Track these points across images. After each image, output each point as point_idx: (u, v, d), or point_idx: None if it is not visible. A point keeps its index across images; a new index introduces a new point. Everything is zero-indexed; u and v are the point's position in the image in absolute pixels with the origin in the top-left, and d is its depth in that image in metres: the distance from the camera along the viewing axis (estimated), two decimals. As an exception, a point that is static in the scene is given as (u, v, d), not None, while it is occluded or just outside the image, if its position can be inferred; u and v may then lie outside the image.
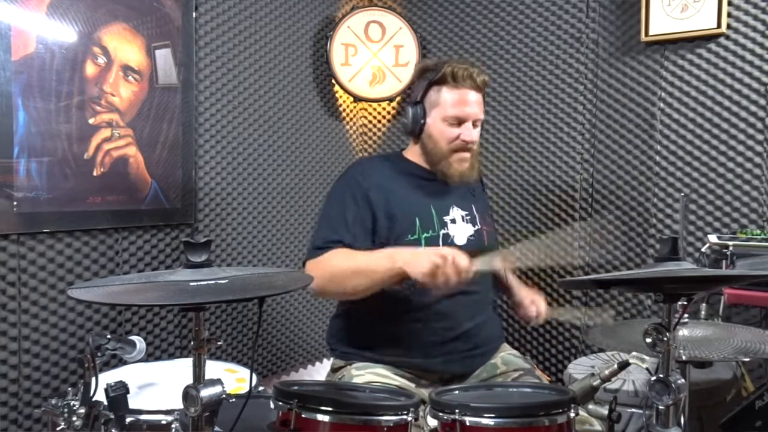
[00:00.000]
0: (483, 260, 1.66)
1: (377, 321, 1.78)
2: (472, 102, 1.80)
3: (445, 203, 1.84)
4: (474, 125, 1.82)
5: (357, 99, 3.02)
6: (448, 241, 1.80)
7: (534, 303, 1.92)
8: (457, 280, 1.55)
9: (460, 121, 1.79)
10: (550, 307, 1.96)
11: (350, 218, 1.75)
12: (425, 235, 1.77)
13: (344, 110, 3.06)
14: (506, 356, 1.87)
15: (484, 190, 2.12)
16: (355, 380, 1.71)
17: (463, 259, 1.55)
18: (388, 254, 1.65)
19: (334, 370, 1.88)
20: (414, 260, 1.58)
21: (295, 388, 1.34)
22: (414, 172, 1.87)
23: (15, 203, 1.86)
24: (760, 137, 2.34)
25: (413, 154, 1.90)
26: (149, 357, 2.17)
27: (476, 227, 1.87)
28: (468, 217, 1.87)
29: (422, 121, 1.82)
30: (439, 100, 1.80)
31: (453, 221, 1.83)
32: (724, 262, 2.05)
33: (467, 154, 1.83)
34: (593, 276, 2.39)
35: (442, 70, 1.78)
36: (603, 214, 2.64)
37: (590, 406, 1.73)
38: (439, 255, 1.55)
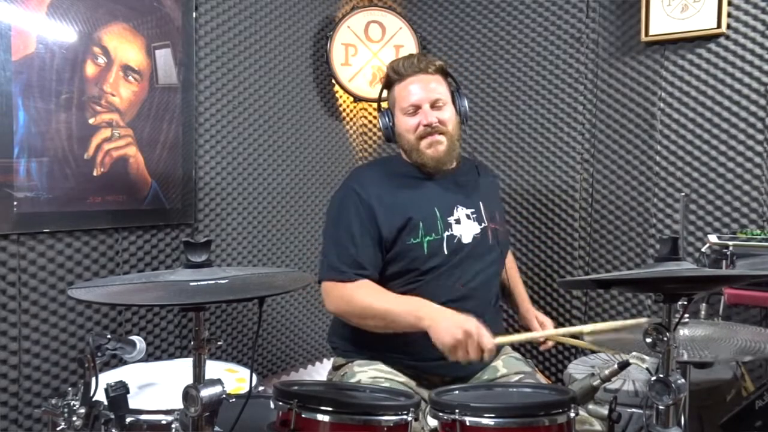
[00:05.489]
0: (508, 339, 1.68)
1: None
2: (421, 85, 1.82)
3: (449, 203, 1.84)
4: (435, 107, 1.81)
5: (357, 99, 3.02)
6: (453, 241, 1.79)
7: (541, 323, 1.99)
8: (477, 358, 1.56)
9: (416, 108, 1.81)
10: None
11: (358, 234, 1.76)
12: (428, 238, 1.77)
13: (344, 110, 3.06)
14: (507, 359, 1.87)
15: (497, 183, 2.13)
16: (358, 377, 1.71)
17: (487, 339, 1.55)
18: (416, 311, 1.65)
19: (335, 368, 1.88)
20: (438, 329, 1.58)
21: (295, 388, 1.34)
22: (413, 173, 1.87)
23: (15, 203, 1.86)
24: (760, 137, 2.34)
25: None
26: (149, 357, 2.17)
27: (482, 225, 1.86)
28: (474, 215, 1.86)
29: (391, 124, 1.88)
30: (395, 98, 1.87)
31: (458, 221, 1.83)
32: (724, 262, 2.05)
33: (439, 137, 1.81)
34: (593, 276, 2.40)
35: (386, 72, 1.88)
36: (603, 214, 2.64)
37: (590, 406, 1.73)
38: (463, 331, 1.55)
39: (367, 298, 1.72)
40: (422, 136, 1.81)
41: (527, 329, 2.01)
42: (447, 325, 1.58)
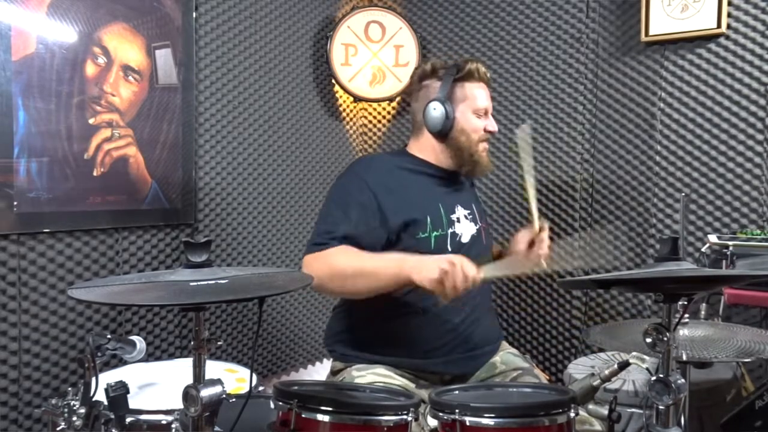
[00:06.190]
0: (490, 267, 1.64)
1: (377, 322, 1.78)
2: (487, 94, 1.90)
3: (452, 202, 1.86)
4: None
5: (357, 99, 3.02)
6: (456, 239, 1.81)
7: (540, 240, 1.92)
8: (464, 288, 1.53)
9: (486, 112, 1.88)
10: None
11: (354, 216, 1.72)
12: (435, 233, 1.78)
13: (344, 110, 3.06)
14: (505, 355, 1.87)
15: (475, 187, 2.14)
16: (357, 381, 1.70)
17: (470, 267, 1.54)
18: (396, 259, 1.63)
19: (334, 372, 1.87)
20: (422, 266, 1.56)
21: (295, 388, 1.34)
22: (424, 169, 1.87)
23: (15, 203, 1.86)
24: (760, 137, 2.34)
25: (422, 150, 1.89)
26: (149, 357, 2.17)
27: (477, 226, 1.89)
28: (470, 216, 1.88)
29: (453, 117, 1.84)
30: (467, 95, 1.85)
31: (458, 220, 1.85)
32: (724, 262, 2.05)
33: (486, 145, 1.90)
34: (593, 276, 2.39)
35: (467, 67, 1.85)
36: (603, 214, 2.64)
37: (590, 406, 1.73)
38: (447, 261, 1.53)
39: (347, 258, 1.67)
40: (483, 140, 1.87)
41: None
42: (430, 259, 1.57)
